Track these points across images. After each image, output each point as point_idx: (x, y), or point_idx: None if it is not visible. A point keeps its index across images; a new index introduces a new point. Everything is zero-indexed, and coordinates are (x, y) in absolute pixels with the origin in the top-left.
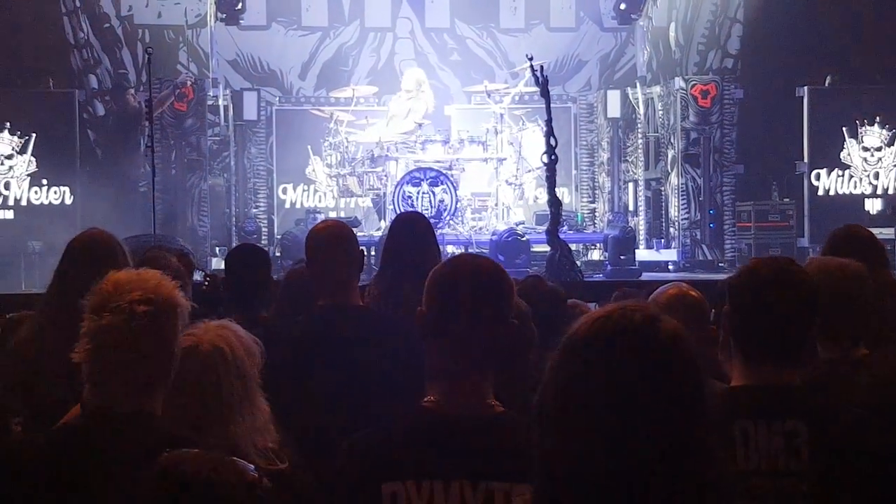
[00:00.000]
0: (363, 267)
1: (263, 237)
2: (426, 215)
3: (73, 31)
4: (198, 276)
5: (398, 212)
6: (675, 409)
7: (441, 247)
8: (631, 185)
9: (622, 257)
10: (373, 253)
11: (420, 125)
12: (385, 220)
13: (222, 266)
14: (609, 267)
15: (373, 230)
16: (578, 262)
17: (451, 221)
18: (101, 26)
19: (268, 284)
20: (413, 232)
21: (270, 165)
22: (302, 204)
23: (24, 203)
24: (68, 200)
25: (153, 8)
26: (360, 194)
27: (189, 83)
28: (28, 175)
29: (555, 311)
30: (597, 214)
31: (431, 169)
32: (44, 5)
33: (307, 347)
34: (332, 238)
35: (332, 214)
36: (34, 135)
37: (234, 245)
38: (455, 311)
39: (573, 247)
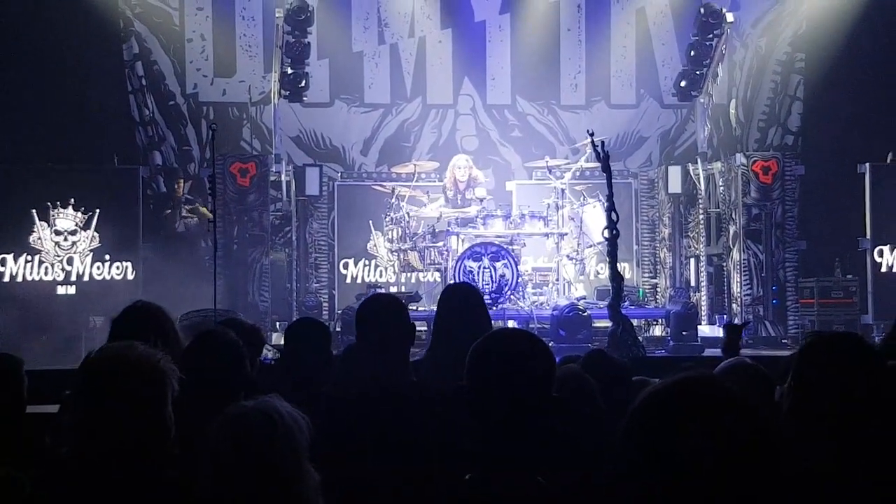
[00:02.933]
0: (414, 340)
1: (324, 312)
2: (487, 290)
3: (139, 109)
4: (268, 353)
5: None
6: (748, 476)
7: (502, 322)
8: (692, 260)
9: (684, 333)
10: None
11: (481, 200)
12: None
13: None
14: (671, 343)
15: (434, 305)
16: (640, 338)
17: (511, 296)
18: (167, 104)
19: (328, 359)
20: (462, 304)
21: (332, 240)
22: (363, 279)
23: (86, 278)
24: (130, 276)
25: (217, 86)
26: (421, 269)
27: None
28: (91, 250)
29: (620, 384)
30: (658, 290)
31: (492, 244)
32: (110, 83)
33: (355, 422)
34: (381, 310)
35: (393, 289)
36: (98, 210)
37: (294, 320)
38: (489, 388)
39: (635, 322)
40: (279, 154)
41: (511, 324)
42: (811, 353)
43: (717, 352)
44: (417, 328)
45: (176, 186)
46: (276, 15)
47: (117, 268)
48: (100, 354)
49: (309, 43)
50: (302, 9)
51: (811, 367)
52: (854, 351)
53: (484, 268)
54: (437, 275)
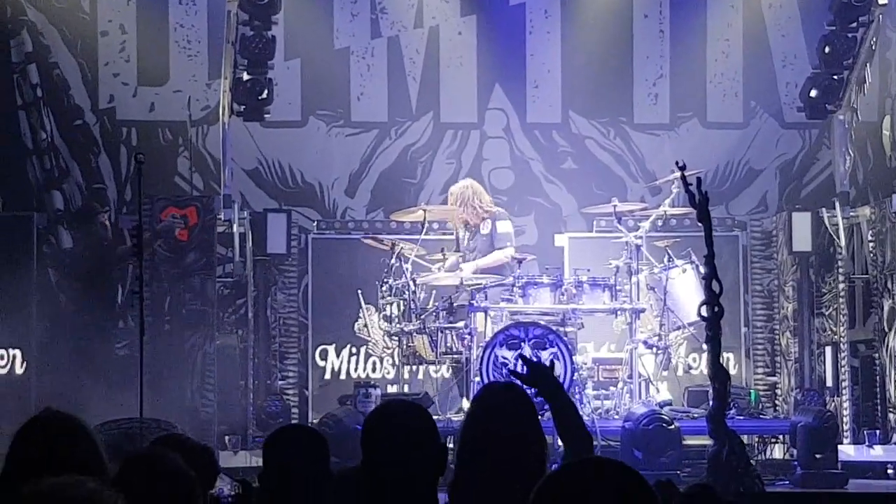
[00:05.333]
0: (445, 467)
1: (293, 421)
2: (530, 393)
3: (33, 131)
4: (223, 486)
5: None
6: None
7: (551, 438)
8: (829, 349)
9: (818, 456)
10: (450, 446)
11: (519, 261)
12: (469, 398)
13: (240, 463)
14: (800, 470)
15: (451, 412)
16: (754, 462)
17: None
18: (71, 124)
19: (326, 488)
20: (506, 415)
21: (304, 318)
22: (348, 374)
23: None
24: (19, 369)
25: (143, 98)
26: (432, 360)
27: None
28: None
29: None
30: (779, 392)
31: (536, 325)
32: None
33: None
34: (400, 427)
35: (392, 389)
36: None
37: (250, 433)
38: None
39: (745, 439)
40: (230, 195)
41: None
42: None
43: (867, 483)
44: None
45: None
46: None
47: (1, 358)
48: (34, 490)
49: (274, 37)
50: None
51: None
52: None
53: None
54: (454, 369)
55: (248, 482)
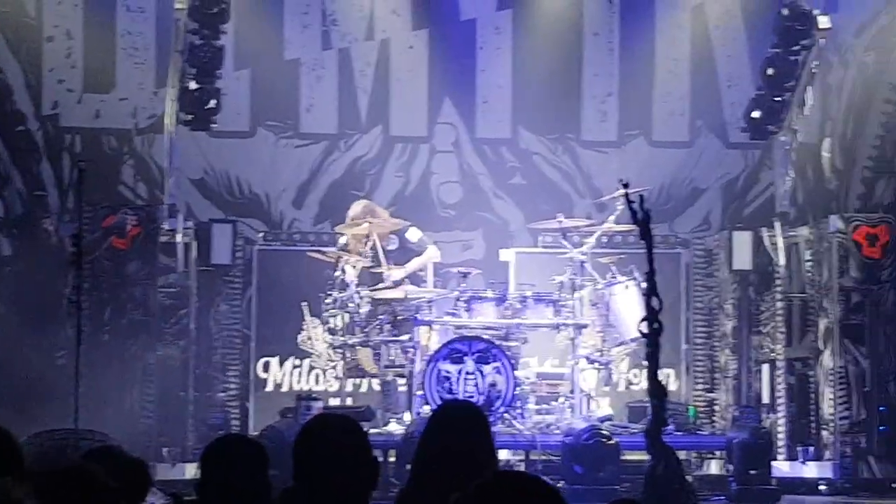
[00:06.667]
0: (377, 482)
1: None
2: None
3: None
4: (156, 500)
5: (431, 400)
6: None
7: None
8: (766, 367)
9: (752, 472)
10: (391, 460)
11: (465, 275)
12: (412, 411)
13: (179, 476)
14: (734, 486)
15: (393, 426)
16: (690, 478)
17: (506, 415)
18: (13, 130)
19: (265, 499)
20: (464, 432)
21: (247, 330)
22: (291, 386)
23: None
24: None
25: (88, 105)
26: (375, 373)
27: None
28: None
29: None
30: (717, 409)
31: (480, 339)
32: None
33: None
34: (332, 442)
35: (335, 402)
36: None
37: (189, 445)
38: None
39: (682, 455)
40: (174, 204)
41: (503, 454)
42: None
43: (800, 499)
44: None
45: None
46: (177, 6)
47: None
48: None
49: (223, 47)
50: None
51: None
52: None
53: (467, 373)
54: (399, 382)
55: (181, 495)
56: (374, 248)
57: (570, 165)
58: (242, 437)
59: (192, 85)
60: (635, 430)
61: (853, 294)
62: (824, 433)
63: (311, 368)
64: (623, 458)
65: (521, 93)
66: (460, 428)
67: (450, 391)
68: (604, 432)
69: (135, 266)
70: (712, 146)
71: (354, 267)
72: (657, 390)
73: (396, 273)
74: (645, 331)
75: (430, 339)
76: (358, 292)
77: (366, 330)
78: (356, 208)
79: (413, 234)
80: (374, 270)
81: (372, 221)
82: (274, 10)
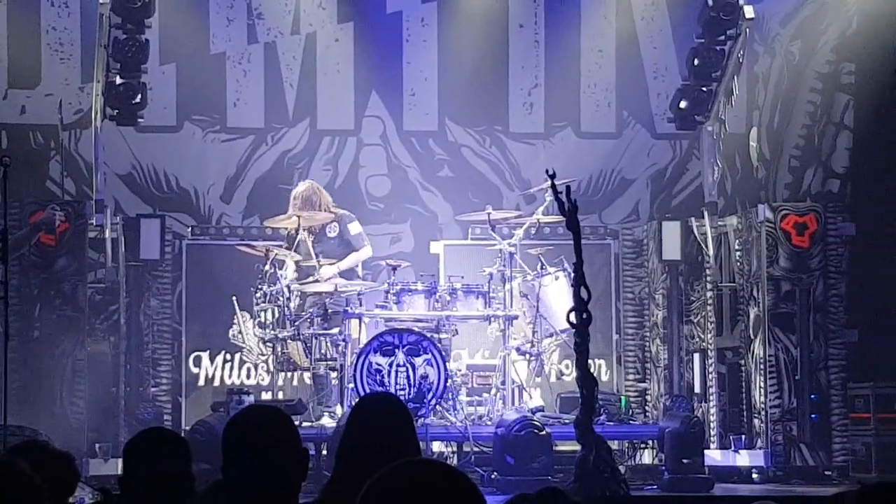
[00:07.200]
0: (307, 474)
1: (166, 426)
2: (402, 398)
3: None
4: (84, 495)
5: (362, 392)
6: None
7: (424, 444)
8: (697, 356)
9: (685, 461)
10: (324, 452)
11: (394, 268)
12: (343, 405)
13: (111, 471)
14: (667, 475)
15: (325, 419)
16: (622, 468)
17: (437, 407)
18: None
19: (189, 491)
20: (383, 425)
21: (178, 325)
22: (222, 381)
23: None
24: None
25: (14, 100)
26: (306, 367)
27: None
28: None
29: None
30: (649, 398)
31: (410, 331)
32: None
33: None
34: (260, 433)
35: (267, 396)
36: None
37: (121, 440)
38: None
39: (614, 445)
40: (102, 200)
41: (436, 446)
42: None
43: (733, 487)
44: None
45: None
46: (101, 0)
47: None
48: None
49: (148, 41)
50: None
51: None
52: None
53: (398, 366)
54: (331, 375)
55: (108, 490)
56: (303, 242)
57: (499, 157)
58: (165, 431)
59: (118, 80)
60: (567, 421)
61: (783, 283)
62: (756, 422)
63: (243, 363)
64: (556, 448)
65: (447, 85)
66: (379, 420)
67: (381, 384)
68: (536, 423)
69: (63, 262)
70: (640, 137)
71: (293, 259)
72: (587, 380)
73: (328, 270)
74: (574, 321)
75: (361, 333)
76: (288, 286)
77: (296, 323)
78: (301, 187)
79: (354, 228)
80: (305, 264)
81: (300, 215)
82: (199, 4)
